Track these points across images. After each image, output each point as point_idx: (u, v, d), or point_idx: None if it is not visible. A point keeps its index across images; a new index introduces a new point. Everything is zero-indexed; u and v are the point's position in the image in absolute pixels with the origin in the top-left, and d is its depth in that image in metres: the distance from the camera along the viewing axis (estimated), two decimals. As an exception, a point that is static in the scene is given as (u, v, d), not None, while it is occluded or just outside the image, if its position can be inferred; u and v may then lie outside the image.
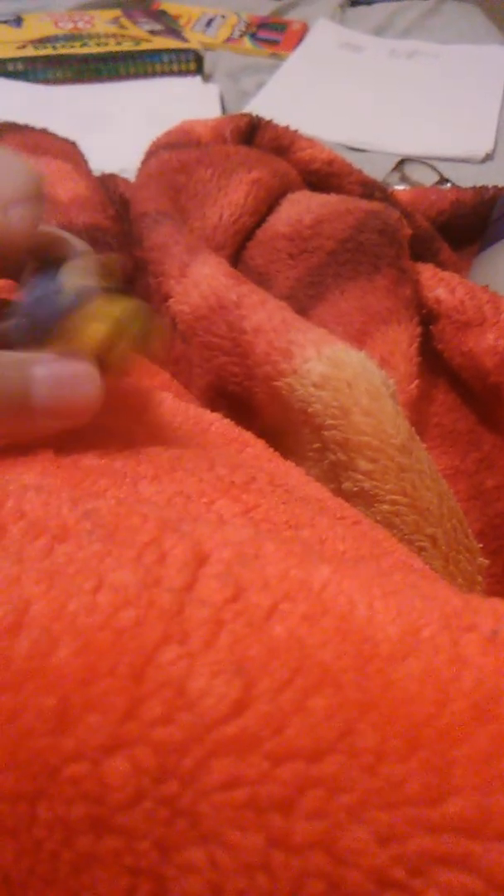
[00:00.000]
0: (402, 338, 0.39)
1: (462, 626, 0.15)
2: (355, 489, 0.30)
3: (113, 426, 0.24)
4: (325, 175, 0.49)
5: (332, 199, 0.44)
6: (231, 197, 0.43)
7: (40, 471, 0.20)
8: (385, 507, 0.29)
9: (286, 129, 0.50)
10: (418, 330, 0.40)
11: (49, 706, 0.13)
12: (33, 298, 0.21)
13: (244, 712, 0.13)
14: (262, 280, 0.44)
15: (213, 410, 0.29)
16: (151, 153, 0.48)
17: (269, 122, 0.50)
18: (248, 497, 0.21)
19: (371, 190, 0.48)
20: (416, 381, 0.38)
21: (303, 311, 0.41)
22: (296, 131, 0.50)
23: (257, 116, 0.50)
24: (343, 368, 0.30)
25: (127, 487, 0.19)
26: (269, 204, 0.45)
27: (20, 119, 0.54)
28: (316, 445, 0.31)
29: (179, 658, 0.14)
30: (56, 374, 0.20)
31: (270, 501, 0.21)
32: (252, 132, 0.50)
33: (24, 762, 0.13)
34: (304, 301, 0.41)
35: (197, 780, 0.13)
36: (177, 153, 0.46)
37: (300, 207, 0.44)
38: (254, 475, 0.22)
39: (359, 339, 0.38)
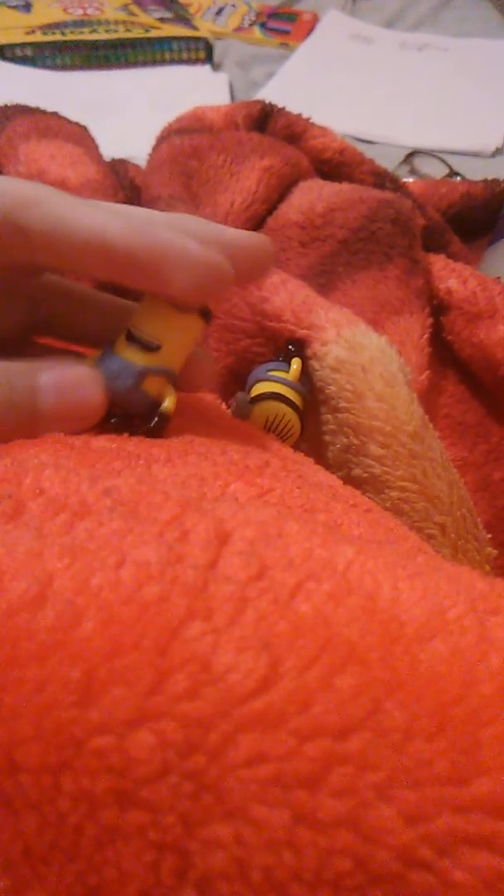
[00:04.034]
0: (413, 328, 0.38)
1: (488, 608, 0.15)
2: (365, 475, 0.30)
3: None
4: (336, 164, 0.49)
5: (344, 187, 0.44)
6: (243, 184, 0.43)
7: (53, 451, 0.20)
8: (395, 493, 0.29)
9: (299, 116, 0.50)
10: (430, 321, 0.40)
11: (74, 678, 0.13)
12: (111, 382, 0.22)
13: (271, 688, 0.13)
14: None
15: (227, 392, 0.29)
16: (163, 138, 0.48)
17: (281, 110, 0.50)
18: (263, 481, 0.21)
19: (383, 180, 0.48)
20: (427, 373, 0.38)
21: None
22: (308, 119, 0.50)
23: (270, 103, 0.50)
24: (360, 352, 0.30)
25: (141, 469, 0.19)
26: (280, 192, 0.45)
27: (28, 104, 0.54)
28: (331, 427, 0.31)
29: (205, 634, 0.13)
30: (60, 379, 0.21)
31: (285, 485, 0.21)
32: (264, 119, 0.49)
33: (49, 734, 0.13)
34: (315, 289, 0.41)
35: (223, 755, 0.13)
36: (189, 138, 0.45)
37: (312, 196, 0.43)
38: (267, 460, 0.22)
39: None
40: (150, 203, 0.42)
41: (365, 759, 0.13)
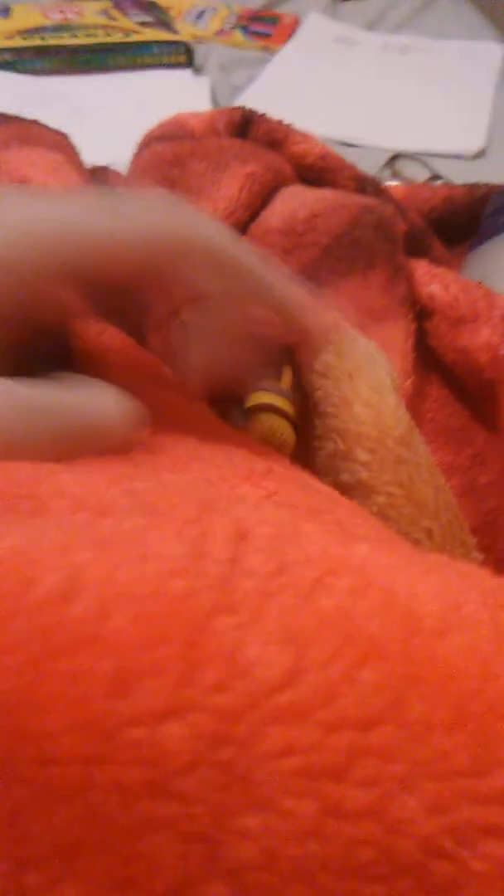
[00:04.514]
0: (396, 335, 0.39)
1: (499, 604, 0.15)
2: (353, 481, 0.30)
3: None
4: (318, 169, 0.49)
5: (326, 194, 0.44)
6: (225, 191, 0.43)
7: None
8: (381, 498, 0.29)
9: (280, 122, 0.50)
10: (413, 326, 0.40)
11: (107, 671, 0.13)
12: None
13: (296, 681, 0.13)
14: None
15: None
16: (145, 144, 0.48)
17: (262, 116, 0.50)
18: (269, 483, 0.21)
19: (364, 185, 0.48)
20: (412, 378, 0.38)
21: None
22: (289, 125, 0.50)
23: (251, 110, 0.50)
24: (346, 359, 0.30)
25: (150, 476, 0.20)
26: (262, 198, 0.45)
27: (7, 110, 0.54)
28: (318, 432, 0.31)
29: (231, 627, 0.14)
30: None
31: (290, 489, 0.21)
32: (246, 125, 0.49)
33: (83, 725, 0.13)
34: None
35: (252, 747, 0.13)
36: (171, 145, 0.45)
37: (294, 202, 0.43)
38: (270, 466, 0.23)
39: None
40: None
41: (388, 751, 0.13)
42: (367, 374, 0.30)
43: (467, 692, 0.13)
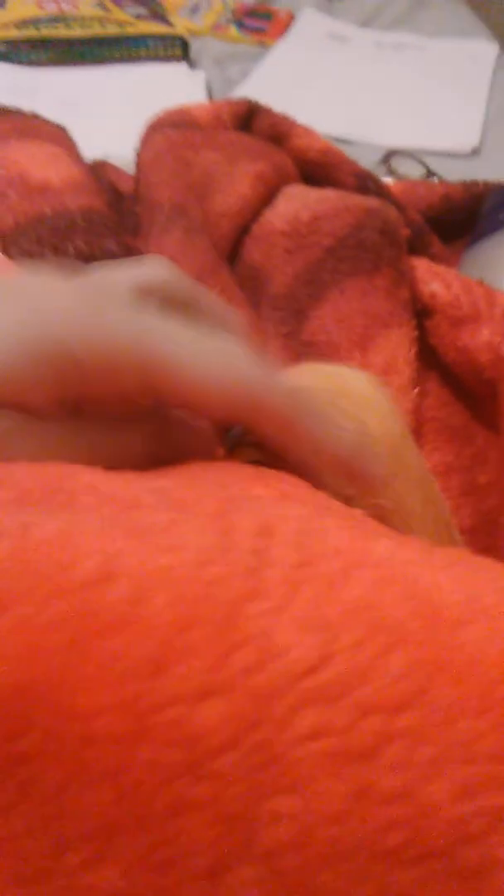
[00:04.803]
0: (403, 341, 0.39)
1: None
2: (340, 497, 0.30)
3: None
4: (319, 164, 0.49)
5: (329, 194, 0.44)
6: (237, 186, 0.43)
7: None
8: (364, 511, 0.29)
9: (284, 116, 0.50)
10: (415, 333, 0.40)
11: (148, 651, 0.13)
12: None
13: (328, 665, 0.14)
14: (259, 276, 0.43)
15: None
16: (154, 130, 0.47)
17: (267, 109, 0.49)
18: (282, 486, 0.21)
19: (365, 181, 0.48)
20: (419, 388, 0.39)
21: (302, 312, 0.40)
22: (293, 119, 0.50)
23: (255, 102, 0.50)
24: (328, 379, 0.30)
25: (176, 479, 0.20)
26: (266, 200, 0.45)
27: (1, 102, 0.53)
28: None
29: (265, 612, 0.14)
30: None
31: (303, 491, 0.22)
32: (250, 118, 0.49)
33: (126, 704, 0.13)
34: (302, 301, 0.40)
35: (288, 728, 0.13)
36: (181, 132, 0.45)
37: (297, 203, 0.43)
38: (280, 476, 0.23)
39: (361, 344, 0.38)
40: (151, 209, 0.41)
41: (418, 735, 0.13)
42: (349, 393, 0.29)
43: (493, 678, 0.14)
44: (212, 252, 0.41)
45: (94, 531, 0.15)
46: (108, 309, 0.21)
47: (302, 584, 0.15)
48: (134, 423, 0.22)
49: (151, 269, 0.24)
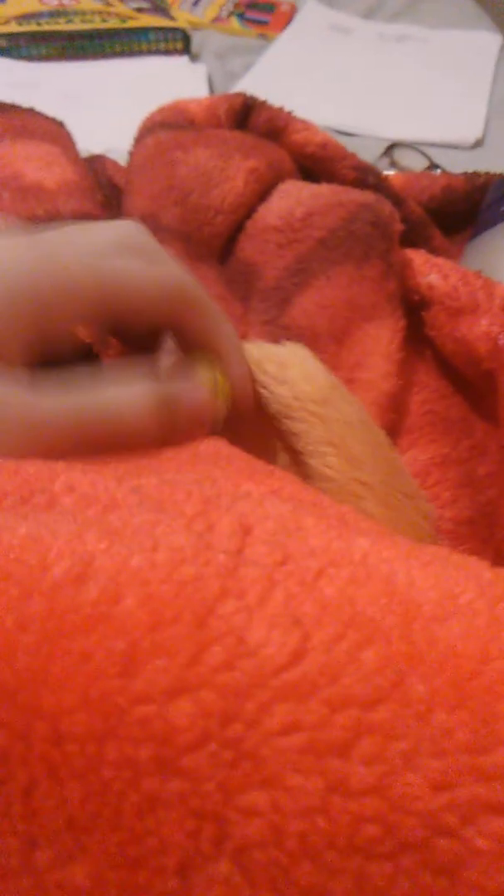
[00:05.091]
0: (382, 334, 0.39)
1: (496, 594, 0.15)
2: (291, 455, 0.31)
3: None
4: (319, 159, 0.48)
5: (323, 190, 0.44)
6: (232, 183, 0.43)
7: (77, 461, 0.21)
8: (313, 460, 0.30)
9: (281, 110, 0.49)
10: (402, 324, 0.40)
11: (118, 650, 0.13)
12: None
13: (301, 661, 0.14)
14: (251, 272, 0.43)
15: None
16: (146, 131, 0.47)
17: (263, 104, 0.49)
18: (272, 482, 0.21)
19: (365, 175, 0.48)
20: (394, 380, 0.38)
21: (286, 300, 0.40)
22: (290, 113, 0.49)
23: (252, 96, 0.50)
24: (248, 354, 0.31)
25: (157, 477, 0.20)
26: (261, 196, 0.45)
27: (1, 97, 0.53)
28: (271, 434, 0.32)
29: (238, 611, 0.14)
30: (189, 394, 0.26)
31: (292, 487, 0.22)
32: (247, 112, 0.49)
33: (95, 703, 0.13)
34: (289, 290, 0.40)
35: (260, 724, 0.13)
36: (173, 134, 0.45)
37: (291, 200, 0.43)
38: (271, 469, 0.23)
39: (339, 337, 0.39)
40: (129, 216, 0.42)
41: (392, 729, 0.13)
42: (268, 356, 0.31)
43: (467, 673, 0.14)
44: (184, 254, 0.42)
45: (68, 535, 0.15)
46: (64, 252, 0.24)
47: (279, 583, 0.15)
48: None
49: (123, 226, 0.27)
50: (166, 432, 0.24)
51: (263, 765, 0.13)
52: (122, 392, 0.24)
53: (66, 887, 0.13)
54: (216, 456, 0.24)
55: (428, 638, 0.14)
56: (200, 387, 0.26)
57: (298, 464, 0.31)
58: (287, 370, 0.30)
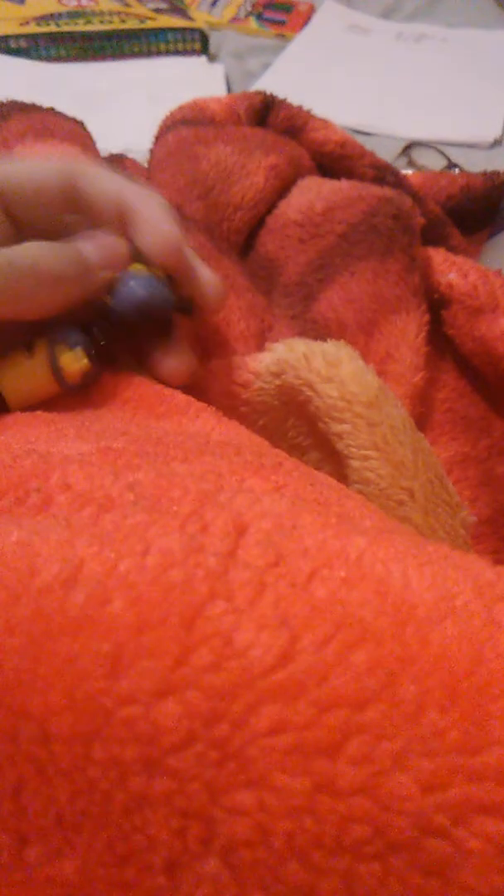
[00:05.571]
0: (409, 327, 0.38)
1: (495, 595, 0.15)
2: (329, 453, 0.31)
3: (131, 421, 0.25)
4: (337, 157, 0.48)
5: (343, 185, 0.44)
6: (252, 179, 0.43)
7: (75, 435, 0.21)
8: (356, 462, 0.29)
9: (300, 108, 0.49)
10: (426, 318, 0.40)
11: (104, 651, 0.13)
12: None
13: (290, 662, 0.14)
14: (272, 267, 0.43)
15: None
16: (167, 128, 0.47)
17: (283, 102, 0.49)
18: (278, 477, 0.21)
19: (383, 173, 0.48)
20: (422, 373, 0.38)
21: (311, 296, 0.40)
22: (309, 112, 0.50)
23: (271, 95, 0.50)
24: (294, 349, 0.31)
25: (160, 465, 0.20)
26: (281, 192, 0.45)
27: (21, 97, 0.54)
28: (303, 431, 0.31)
29: (226, 613, 0.14)
30: (95, 242, 0.29)
31: (299, 482, 0.21)
32: (266, 111, 0.49)
33: (81, 704, 0.13)
34: (312, 286, 0.40)
35: (246, 725, 0.13)
36: (194, 130, 0.45)
37: (311, 195, 0.43)
38: (280, 461, 0.23)
39: (367, 329, 0.38)
40: None
41: (381, 729, 0.13)
42: (318, 352, 0.30)
43: (459, 674, 0.14)
44: (208, 246, 0.41)
45: (58, 540, 0.15)
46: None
47: (269, 585, 0.15)
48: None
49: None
50: (81, 274, 0.27)
51: (250, 765, 0.13)
52: (34, 244, 0.27)
53: (55, 882, 0.13)
54: (226, 446, 0.24)
55: (421, 639, 0.14)
56: (107, 232, 0.29)
57: (335, 464, 0.31)
58: (336, 368, 0.30)
